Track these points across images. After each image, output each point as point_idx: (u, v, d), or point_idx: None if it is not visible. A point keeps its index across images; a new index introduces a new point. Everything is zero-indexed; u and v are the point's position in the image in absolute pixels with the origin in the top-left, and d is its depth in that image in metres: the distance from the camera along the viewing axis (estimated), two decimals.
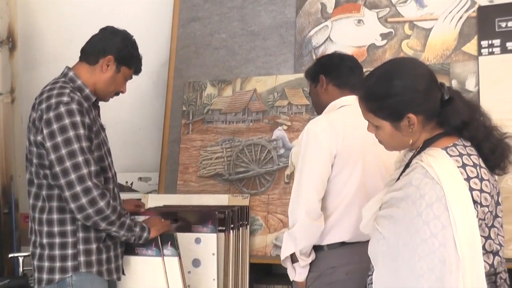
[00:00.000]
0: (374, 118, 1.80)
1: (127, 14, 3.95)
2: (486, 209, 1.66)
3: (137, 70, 2.57)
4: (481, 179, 1.66)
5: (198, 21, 3.76)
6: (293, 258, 2.42)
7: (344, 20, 3.44)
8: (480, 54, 3.10)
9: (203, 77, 3.68)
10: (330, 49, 3.32)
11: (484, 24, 3.11)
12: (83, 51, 2.49)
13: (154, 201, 3.39)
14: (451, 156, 1.67)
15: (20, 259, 3.52)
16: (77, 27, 3.98)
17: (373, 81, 1.80)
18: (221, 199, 3.32)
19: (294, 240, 2.36)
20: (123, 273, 2.50)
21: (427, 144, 1.76)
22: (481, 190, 1.65)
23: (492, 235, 1.70)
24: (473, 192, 1.63)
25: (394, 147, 1.86)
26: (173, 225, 2.73)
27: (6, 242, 3.80)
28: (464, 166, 1.65)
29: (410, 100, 1.72)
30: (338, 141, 2.35)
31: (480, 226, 1.64)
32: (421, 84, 1.74)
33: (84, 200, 2.21)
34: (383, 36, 3.33)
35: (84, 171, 2.22)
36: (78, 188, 2.21)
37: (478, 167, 1.68)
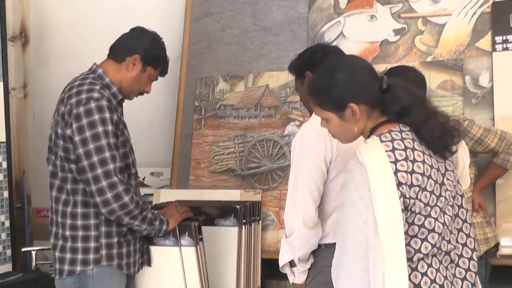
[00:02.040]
0: (321, 112, 1.89)
1: (140, 10, 3.96)
2: (418, 188, 1.73)
3: (163, 71, 2.57)
4: (413, 161, 1.74)
5: (210, 16, 3.76)
6: (292, 262, 2.40)
7: (357, 16, 3.43)
8: (494, 50, 3.08)
9: (215, 73, 3.68)
10: (343, 44, 3.31)
11: (498, 20, 3.10)
12: (112, 48, 2.51)
13: (166, 196, 3.40)
14: (382, 141, 1.76)
15: (33, 253, 3.54)
16: (90, 22, 4.00)
17: (317, 76, 1.92)
18: (233, 195, 3.32)
19: (293, 249, 2.34)
20: (149, 265, 2.53)
21: (371, 132, 1.85)
22: (412, 171, 1.73)
23: (433, 214, 1.76)
24: (398, 174, 1.71)
25: (345, 138, 1.94)
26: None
27: (18, 237, 3.82)
28: (393, 150, 1.74)
29: (350, 90, 1.83)
30: (333, 147, 2.30)
31: (413, 204, 1.73)
32: (361, 75, 1.85)
33: (109, 195, 2.24)
34: (396, 31, 3.32)
35: (111, 166, 2.25)
36: (104, 183, 2.24)
37: (410, 150, 1.76)
